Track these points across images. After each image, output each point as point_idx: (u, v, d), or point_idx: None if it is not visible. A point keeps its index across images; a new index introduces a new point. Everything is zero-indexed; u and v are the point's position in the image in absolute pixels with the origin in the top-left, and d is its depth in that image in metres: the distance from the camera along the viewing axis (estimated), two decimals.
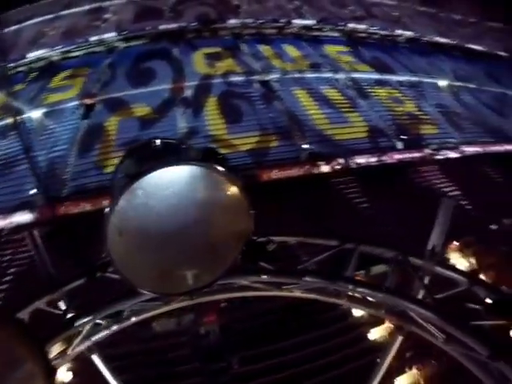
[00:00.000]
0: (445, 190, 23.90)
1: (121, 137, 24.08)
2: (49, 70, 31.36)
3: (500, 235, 17.93)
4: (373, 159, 24.29)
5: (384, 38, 36.93)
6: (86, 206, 19.69)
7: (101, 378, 6.38)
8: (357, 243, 5.21)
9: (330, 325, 14.26)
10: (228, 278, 4.73)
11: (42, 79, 30.41)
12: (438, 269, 4.95)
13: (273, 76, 28.81)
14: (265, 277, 4.89)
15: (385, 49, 35.26)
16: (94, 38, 32.73)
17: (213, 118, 25.22)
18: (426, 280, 4.96)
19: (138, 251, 2.70)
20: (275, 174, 22.07)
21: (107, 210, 2.53)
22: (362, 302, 5.49)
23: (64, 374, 11.03)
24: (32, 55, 31.67)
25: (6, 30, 31.40)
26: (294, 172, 22.76)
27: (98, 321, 5.06)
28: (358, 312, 14.79)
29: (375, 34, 36.72)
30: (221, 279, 3.00)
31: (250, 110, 25.77)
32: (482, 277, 13.23)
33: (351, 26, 36.01)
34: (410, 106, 29.41)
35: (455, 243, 16.23)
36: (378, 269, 11.53)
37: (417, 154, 25.63)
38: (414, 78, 32.45)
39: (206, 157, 2.73)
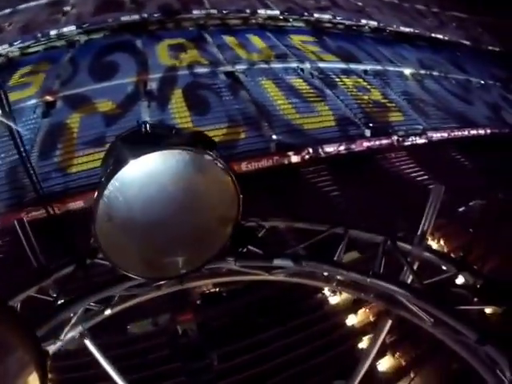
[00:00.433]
0: (413, 175, 24.33)
1: (83, 134, 23.25)
2: (7, 67, 29.84)
3: (468, 218, 18.37)
4: (342, 147, 24.44)
5: (349, 28, 37.29)
6: (54, 210, 18.83)
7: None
8: (346, 228, 5.29)
9: (309, 314, 14.24)
10: (217, 263, 4.68)
11: (1, 77, 28.92)
12: (427, 254, 5.07)
13: (239, 67, 28.44)
14: (252, 262, 4.90)
15: (350, 38, 35.49)
16: (53, 32, 31.48)
17: (179, 111, 24.63)
18: (415, 266, 5.06)
19: (127, 236, 2.69)
20: (245, 167, 21.85)
21: (96, 195, 2.51)
22: (351, 287, 5.55)
23: None
24: None
25: None
26: (264, 163, 22.60)
27: (88, 306, 5.12)
28: (334, 299, 14.90)
29: (340, 23, 37.00)
30: (209, 264, 3.08)
31: (216, 102, 25.35)
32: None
33: (316, 16, 36.12)
34: (376, 94, 29.81)
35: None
36: (351, 255, 11.68)
37: (385, 141, 26.02)
38: (379, 67, 32.95)
39: (195, 141, 2.71)
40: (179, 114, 24.55)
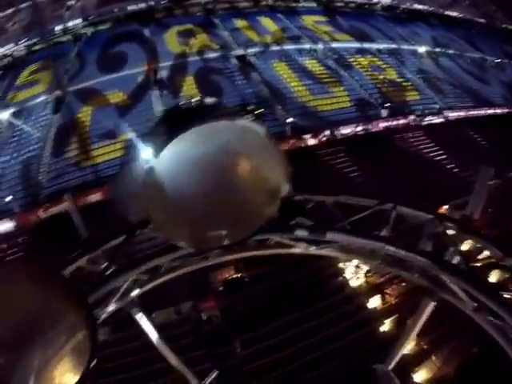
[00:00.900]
0: (431, 155, 23.74)
1: (95, 127, 22.98)
2: (14, 66, 29.70)
3: (488, 197, 17.73)
4: (358, 128, 23.82)
5: (360, 7, 36.32)
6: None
7: None
8: (395, 204, 5.33)
9: (330, 297, 13.97)
10: (264, 235, 4.83)
11: (8, 77, 28.81)
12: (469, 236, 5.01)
13: (250, 50, 27.83)
14: (302, 233, 4.87)
15: (362, 17, 34.58)
16: (58, 28, 31.17)
17: (191, 98, 24.17)
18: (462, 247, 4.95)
19: (175, 207, 2.71)
20: None
21: (146, 166, 2.50)
22: (395, 264, 5.40)
23: None
24: None
25: None
26: (281, 147, 22.09)
27: (136, 276, 5.24)
28: (355, 282, 14.56)
29: (351, 2, 36.08)
30: (256, 235, 3.08)
31: (229, 87, 24.86)
32: None
33: None
34: (391, 74, 29.02)
35: (445, 207, 16.02)
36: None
37: (402, 121, 25.31)
38: (393, 46, 32.06)
39: (243, 113, 2.43)
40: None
